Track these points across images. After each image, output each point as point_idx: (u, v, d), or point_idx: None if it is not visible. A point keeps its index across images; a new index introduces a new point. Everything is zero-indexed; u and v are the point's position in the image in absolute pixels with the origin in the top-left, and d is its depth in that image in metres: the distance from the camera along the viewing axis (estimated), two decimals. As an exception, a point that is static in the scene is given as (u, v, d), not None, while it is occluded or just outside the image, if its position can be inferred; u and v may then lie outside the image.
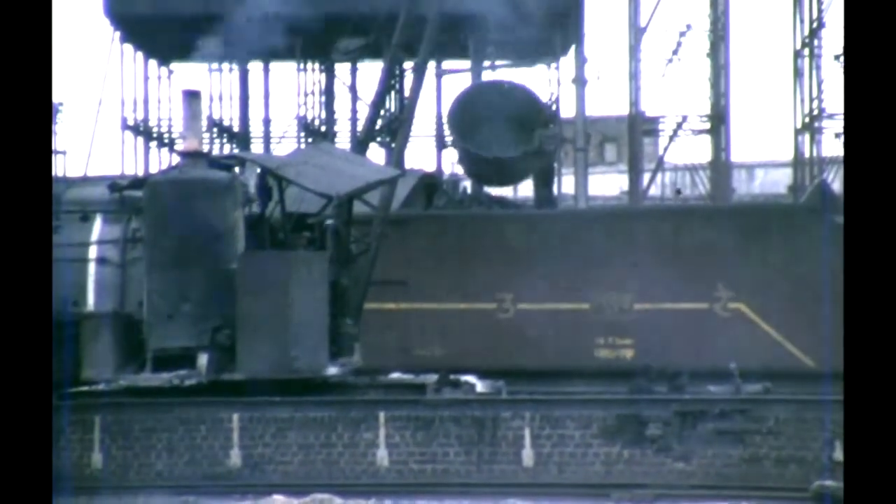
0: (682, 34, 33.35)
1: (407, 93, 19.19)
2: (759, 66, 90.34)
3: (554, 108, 29.75)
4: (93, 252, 17.17)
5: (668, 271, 22.56)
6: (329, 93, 34.41)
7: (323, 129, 34.36)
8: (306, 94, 34.30)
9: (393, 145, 19.03)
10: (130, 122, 33.97)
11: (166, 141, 35.57)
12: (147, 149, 35.22)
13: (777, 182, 45.57)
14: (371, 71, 34.50)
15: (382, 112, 20.09)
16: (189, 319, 16.31)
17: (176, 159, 29.59)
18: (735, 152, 35.01)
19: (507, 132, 26.80)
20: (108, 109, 36.63)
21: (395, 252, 20.32)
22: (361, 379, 17.16)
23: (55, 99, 17.86)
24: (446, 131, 31.30)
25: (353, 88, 34.63)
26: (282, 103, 35.99)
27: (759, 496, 14.78)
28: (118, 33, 32.51)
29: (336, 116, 34.82)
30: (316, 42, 31.34)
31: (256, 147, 34.76)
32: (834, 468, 14.70)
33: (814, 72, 32.82)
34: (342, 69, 34.55)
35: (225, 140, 36.35)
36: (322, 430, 15.81)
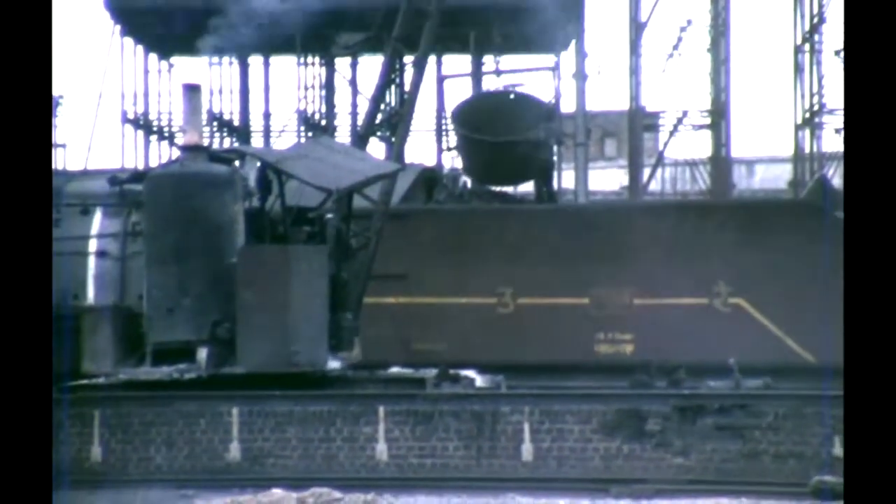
0: (683, 29, 33.39)
1: (407, 87, 19.16)
2: (760, 62, 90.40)
3: (553, 106, 29.71)
4: (93, 245, 17.18)
5: (668, 266, 22.56)
6: (329, 87, 34.43)
7: (323, 123, 34.38)
8: (306, 88, 34.33)
9: (393, 140, 19.00)
10: (130, 116, 33.98)
11: (166, 135, 35.58)
12: (147, 142, 35.24)
13: (777, 177, 45.56)
14: (371, 65, 34.54)
15: (382, 106, 20.07)
16: (189, 313, 16.32)
17: (176, 153, 29.61)
18: (735, 147, 35.05)
19: (509, 131, 26.80)
20: (108, 103, 36.76)
21: (394, 246, 20.31)
22: (361, 373, 17.18)
23: (55, 92, 17.81)
24: (448, 127, 31.32)
25: (353, 82, 34.64)
26: (282, 97, 36.07)
27: (758, 491, 14.77)
28: (118, 27, 32.52)
29: (336, 110, 34.85)
30: (316, 36, 31.34)
31: (256, 141, 34.79)
32: (833, 463, 14.71)
33: (814, 67, 32.85)
34: (342, 63, 34.56)
35: (225, 134, 36.36)
36: (321, 424, 15.82)
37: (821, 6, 32.60)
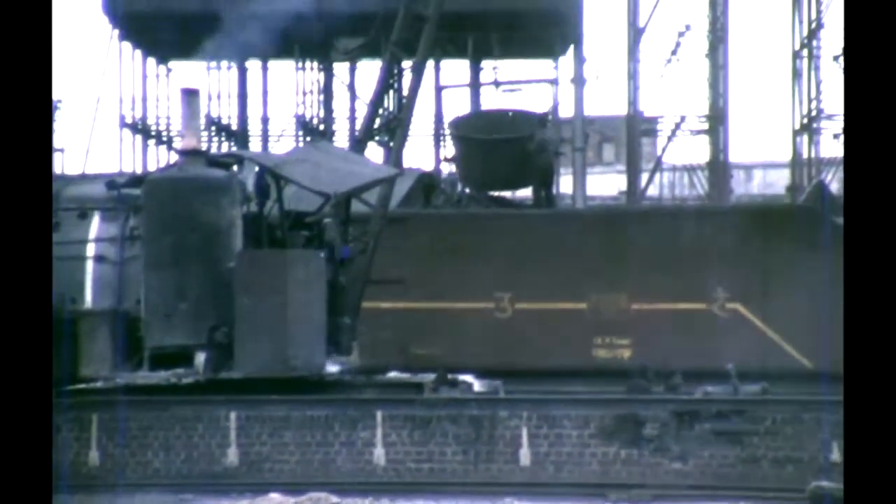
0: (681, 34, 33.40)
1: (405, 92, 19.16)
2: (758, 67, 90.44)
3: (551, 117, 29.75)
4: (91, 250, 17.17)
5: (665, 271, 22.58)
6: (327, 91, 34.44)
7: (321, 127, 34.39)
8: (305, 93, 34.33)
9: (391, 144, 19.00)
10: (129, 120, 33.98)
11: (165, 139, 35.58)
12: (145, 147, 35.24)
13: (775, 183, 45.60)
14: (369, 70, 34.52)
15: (381, 111, 20.08)
16: (187, 317, 16.30)
17: (174, 157, 29.62)
18: (733, 153, 35.05)
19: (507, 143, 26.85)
20: (106, 107, 36.76)
21: (392, 251, 20.31)
22: (359, 378, 17.16)
23: (55, 97, 17.81)
24: (445, 132, 31.35)
25: (351, 87, 34.64)
26: (280, 102, 36.05)
27: (756, 497, 14.77)
28: (117, 31, 32.52)
29: (334, 115, 34.85)
30: (315, 41, 31.36)
31: (255, 145, 34.78)
32: (831, 469, 14.70)
33: (812, 72, 32.86)
34: (341, 68, 34.57)
35: (223, 138, 36.35)
36: (319, 428, 15.80)
37: (819, 11, 32.62)
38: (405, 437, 15.71)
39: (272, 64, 34.52)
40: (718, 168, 33.57)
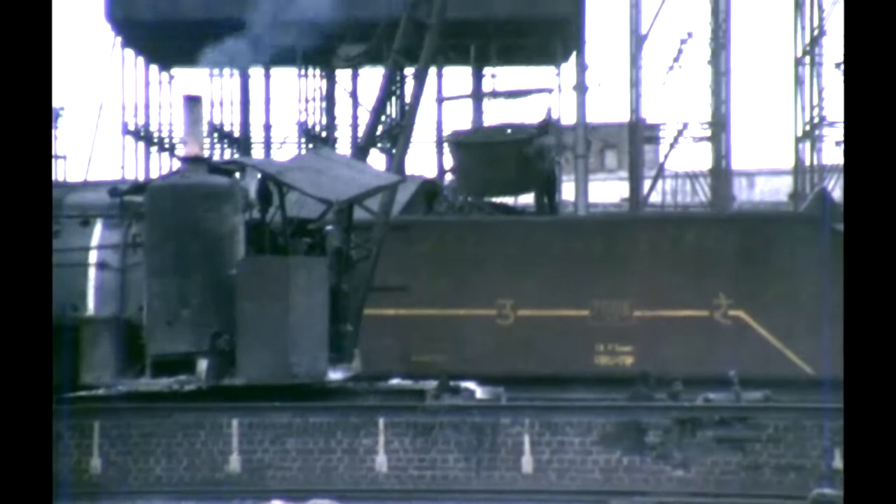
0: (683, 41, 33.38)
1: (408, 99, 19.18)
2: (760, 74, 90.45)
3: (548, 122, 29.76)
4: (93, 257, 17.15)
5: (668, 278, 22.58)
6: (330, 99, 34.47)
7: (324, 134, 34.41)
8: (307, 100, 34.36)
9: (394, 151, 19.01)
10: (131, 127, 34.00)
11: (167, 146, 35.61)
12: (148, 154, 35.27)
13: (777, 190, 45.59)
14: (372, 77, 34.55)
15: (383, 118, 20.09)
16: (189, 325, 16.30)
17: (176, 164, 29.62)
18: (735, 160, 35.05)
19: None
20: (108, 114, 36.70)
21: (395, 258, 20.32)
22: (361, 385, 17.16)
23: (56, 104, 17.85)
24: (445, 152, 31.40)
25: (353, 94, 34.67)
26: (283, 109, 36.04)
27: (758, 504, 14.78)
28: (119, 38, 32.55)
29: (337, 122, 34.88)
30: (317, 48, 31.36)
31: (257, 152, 34.80)
32: (833, 476, 14.70)
33: (814, 80, 32.85)
34: (343, 75, 34.59)
35: (225, 145, 36.38)
36: (321, 435, 15.80)
37: (821, 19, 32.62)
38: (407, 444, 15.71)
39: (274, 71, 34.53)
40: (720, 175, 33.57)
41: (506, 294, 22.98)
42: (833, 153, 32.83)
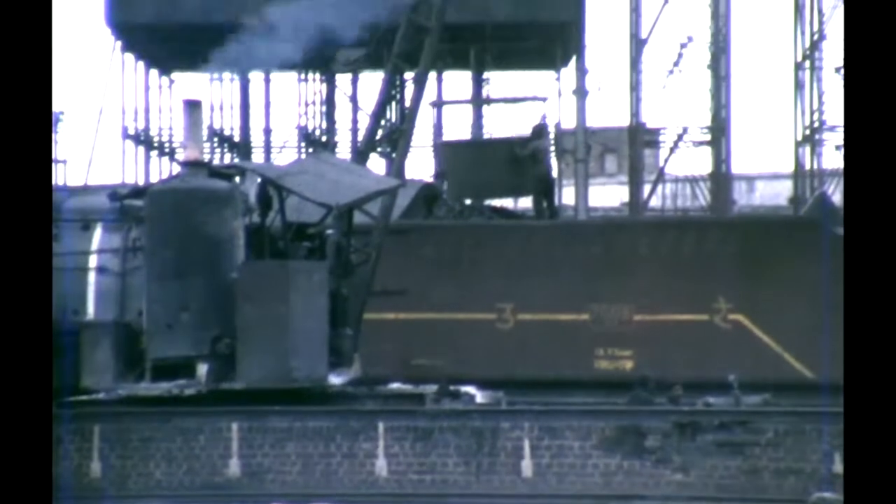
0: (683, 46, 33.40)
1: (408, 103, 19.19)
2: (760, 78, 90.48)
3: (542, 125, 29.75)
4: (93, 261, 17.16)
5: (667, 282, 22.59)
6: (330, 103, 34.49)
7: (323, 139, 34.43)
8: (307, 104, 34.39)
9: (393, 156, 19.02)
10: (131, 132, 34.02)
11: (167, 150, 35.63)
12: (147, 158, 35.29)
13: (777, 194, 45.61)
14: (372, 81, 34.57)
15: (383, 122, 20.09)
16: (189, 329, 16.30)
17: (176, 169, 29.64)
18: (735, 164, 35.10)
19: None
20: (108, 119, 36.70)
21: (395, 262, 20.31)
22: (360, 389, 17.16)
23: (56, 108, 17.87)
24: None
25: (353, 99, 34.69)
26: (282, 113, 36.08)
27: (758, 508, 14.78)
28: (119, 43, 32.56)
29: (336, 126, 34.91)
30: (317, 52, 31.37)
31: (257, 157, 34.81)
32: (833, 480, 14.70)
33: (815, 84, 32.87)
34: (343, 79, 34.61)
35: (226, 150, 36.40)
36: (321, 440, 15.80)
37: (821, 23, 32.64)
38: (407, 448, 15.71)
39: (274, 75, 34.55)
40: (720, 179, 33.58)
41: (506, 298, 22.98)
42: (833, 157, 32.87)
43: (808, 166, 33.53)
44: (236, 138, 35.71)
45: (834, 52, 32.36)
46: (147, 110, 34.66)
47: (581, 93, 31.36)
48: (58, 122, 32.16)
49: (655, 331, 22.59)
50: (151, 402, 16.26)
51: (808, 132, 33.14)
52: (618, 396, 19.37)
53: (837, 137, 32.18)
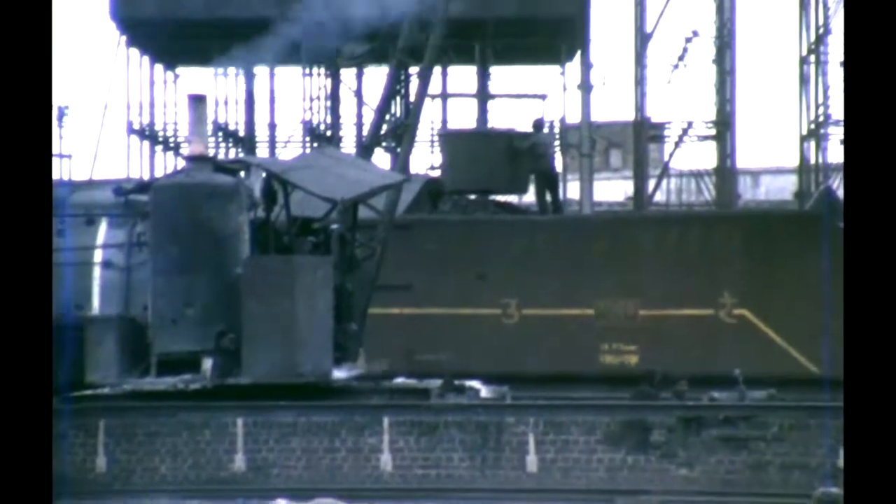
0: (688, 40, 33.33)
1: (412, 98, 19.18)
2: (765, 73, 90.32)
3: (547, 123, 29.75)
4: (98, 256, 17.17)
5: (673, 277, 22.58)
6: (334, 97, 34.44)
7: (328, 133, 34.39)
8: (312, 99, 34.33)
9: (398, 150, 19.01)
10: (136, 126, 34.01)
11: (172, 145, 35.63)
12: (152, 153, 35.28)
13: (782, 188, 45.53)
14: (376, 76, 34.54)
15: (388, 117, 20.10)
16: (194, 323, 16.31)
17: (181, 163, 29.65)
18: (740, 158, 34.99)
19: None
20: (113, 113, 36.74)
21: (399, 257, 20.32)
22: (365, 384, 17.17)
23: (61, 103, 17.87)
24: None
25: (358, 93, 34.66)
26: (287, 108, 36.09)
27: (762, 503, 14.76)
28: (124, 37, 32.55)
29: (341, 121, 34.86)
30: (322, 47, 31.36)
31: (262, 151, 34.79)
32: (837, 475, 14.69)
33: (819, 78, 32.80)
34: (348, 74, 34.59)
35: (230, 144, 36.39)
36: (326, 434, 15.81)
37: (826, 17, 32.57)
38: (412, 443, 15.72)
39: (279, 70, 34.53)
40: (725, 174, 33.54)
41: (510, 293, 22.98)
42: (838, 151, 32.78)
43: (813, 160, 33.45)
44: (241, 133, 35.70)
45: (839, 46, 32.28)
46: (152, 105, 34.64)
47: (586, 87, 31.31)
48: (63, 116, 32.18)
49: (660, 326, 22.60)
50: (156, 396, 16.27)
51: (813, 126, 33.08)
52: (623, 391, 19.35)
53: (842, 131, 32.11)
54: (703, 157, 34.48)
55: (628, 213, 34.76)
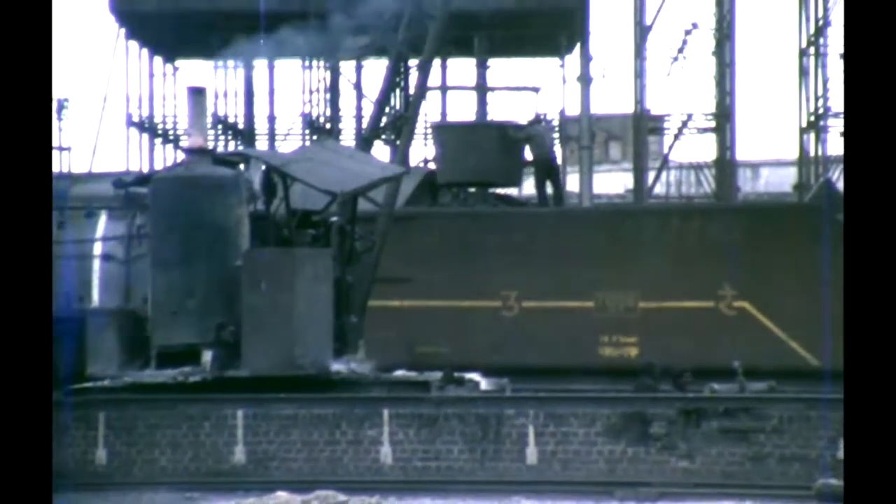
0: (688, 32, 33.31)
1: (412, 90, 19.17)
2: (765, 65, 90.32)
3: (545, 116, 29.69)
4: (98, 248, 17.19)
5: (672, 270, 22.58)
6: (334, 90, 34.41)
7: (328, 126, 34.37)
8: (311, 92, 34.31)
9: (398, 143, 19.01)
10: (136, 119, 33.99)
11: (171, 137, 35.60)
12: (152, 145, 35.25)
13: (782, 181, 45.52)
14: (376, 68, 34.51)
15: (387, 110, 20.10)
16: (194, 316, 16.33)
17: (181, 156, 29.63)
18: (740, 151, 34.95)
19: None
20: (113, 106, 36.67)
21: (399, 249, 20.31)
22: (365, 376, 17.17)
23: (61, 96, 17.85)
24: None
25: (358, 86, 34.63)
26: (287, 100, 36.05)
27: (762, 495, 14.76)
28: (123, 30, 32.53)
29: (341, 114, 34.82)
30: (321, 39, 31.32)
31: (261, 144, 34.77)
32: (837, 466, 14.70)
33: (819, 70, 32.78)
34: (347, 66, 34.56)
35: (230, 137, 36.37)
36: (326, 427, 15.82)
37: (826, 9, 32.55)
38: (412, 435, 15.72)
39: (278, 62, 34.51)
40: (725, 166, 33.53)
41: (510, 285, 22.98)
42: (838, 144, 32.77)
43: (812, 153, 33.45)
44: (240, 125, 35.67)
45: (839, 38, 32.27)
46: (151, 98, 34.61)
47: (585, 80, 31.30)
48: (62, 109, 32.13)
49: (660, 318, 22.59)
50: (156, 389, 16.28)
51: (812, 119, 33.07)
52: (623, 383, 19.37)
53: (842, 124, 32.09)
54: (703, 149, 34.51)
55: (628, 206, 34.75)
